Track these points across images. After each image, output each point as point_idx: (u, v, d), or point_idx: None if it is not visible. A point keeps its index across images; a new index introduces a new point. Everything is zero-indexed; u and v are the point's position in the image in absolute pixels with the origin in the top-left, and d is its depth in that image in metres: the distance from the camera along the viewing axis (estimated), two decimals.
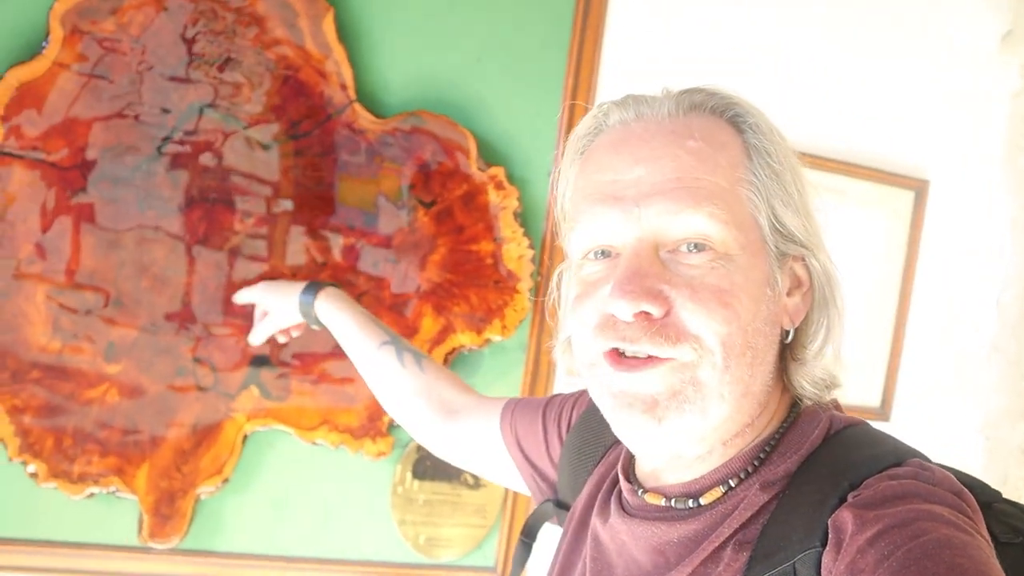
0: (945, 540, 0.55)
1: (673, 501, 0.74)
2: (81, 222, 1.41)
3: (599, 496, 0.85)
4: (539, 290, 1.61)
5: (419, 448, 1.59)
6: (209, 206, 1.45)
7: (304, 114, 1.48)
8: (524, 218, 1.58)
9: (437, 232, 1.55)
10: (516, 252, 1.57)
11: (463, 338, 1.56)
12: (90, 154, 1.40)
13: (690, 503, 0.73)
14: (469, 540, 1.64)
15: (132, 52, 1.39)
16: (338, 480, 1.57)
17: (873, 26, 1.78)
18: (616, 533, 0.78)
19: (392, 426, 1.56)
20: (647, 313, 0.66)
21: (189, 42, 1.42)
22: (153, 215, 1.43)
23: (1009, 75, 1.80)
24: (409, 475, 1.60)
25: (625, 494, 0.79)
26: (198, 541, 1.51)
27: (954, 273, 1.88)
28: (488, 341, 1.58)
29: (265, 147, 1.47)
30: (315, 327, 1.34)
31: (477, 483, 1.63)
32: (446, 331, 1.56)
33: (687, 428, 0.68)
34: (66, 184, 1.40)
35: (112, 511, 1.47)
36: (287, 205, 1.49)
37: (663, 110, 0.72)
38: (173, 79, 1.42)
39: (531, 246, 1.57)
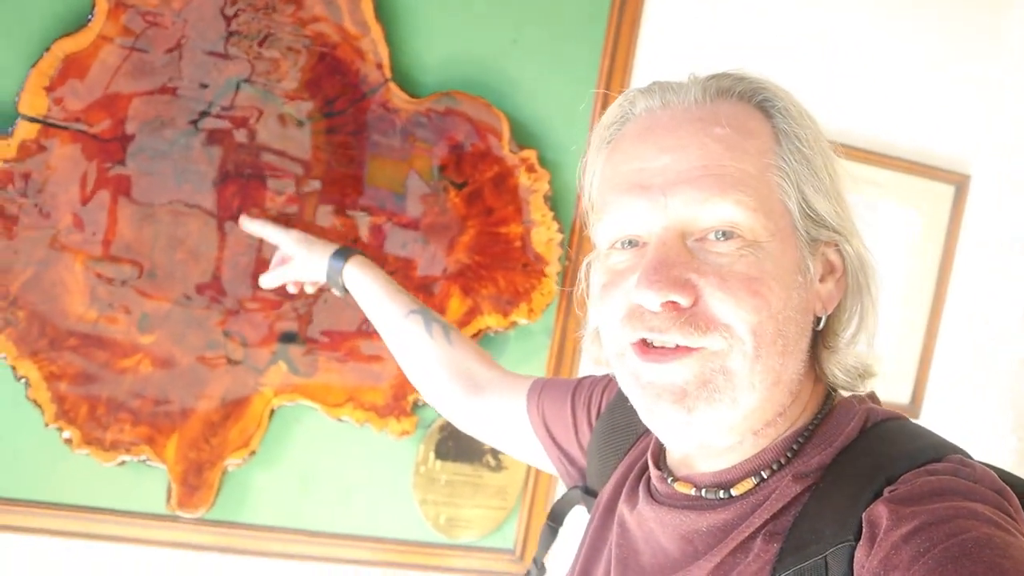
0: (985, 539, 0.54)
1: (703, 491, 0.74)
2: (119, 194, 1.43)
3: (627, 483, 0.85)
4: (567, 274, 1.60)
5: (442, 429, 1.60)
6: (243, 182, 1.47)
7: (339, 92, 1.49)
8: (554, 202, 1.58)
9: (467, 214, 1.55)
10: (545, 236, 1.57)
11: (489, 320, 1.57)
12: (130, 127, 1.42)
13: (721, 494, 0.72)
14: (489, 522, 1.64)
15: (173, 26, 1.41)
16: (362, 457, 1.58)
17: (919, 15, 1.75)
18: (644, 520, 0.78)
19: (417, 406, 1.57)
20: (675, 303, 0.66)
21: (229, 18, 1.43)
22: (189, 189, 1.46)
23: None
24: (432, 455, 1.61)
25: (654, 481, 0.79)
26: (224, 512, 1.53)
27: (992, 270, 1.85)
28: (514, 324, 1.58)
29: (299, 124, 1.48)
30: (338, 292, 1.32)
31: (499, 465, 1.64)
32: (473, 313, 1.56)
33: (717, 418, 0.67)
34: (106, 156, 1.42)
35: (142, 479, 1.50)
36: (317, 184, 1.50)
37: (690, 97, 0.71)
38: (212, 54, 1.43)
39: (560, 230, 1.57)
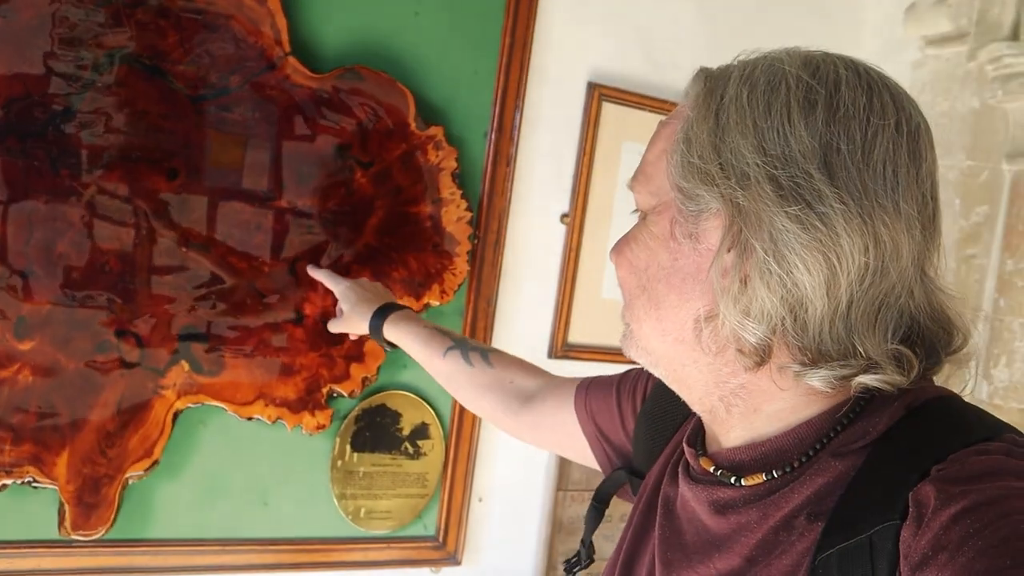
0: None
1: (719, 472, 0.74)
2: None
3: (670, 465, 0.85)
4: (476, 253, 1.58)
5: (358, 420, 1.54)
6: (130, 166, 1.34)
7: (234, 67, 1.38)
8: (462, 179, 1.54)
9: (375, 194, 1.48)
10: (455, 214, 1.53)
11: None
12: None
13: (732, 480, 0.72)
14: (408, 510, 1.60)
15: None
16: (275, 457, 1.49)
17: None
18: (685, 500, 0.78)
19: (331, 397, 1.50)
20: None
21: None
22: (67, 175, 1.30)
23: (911, 46, 1.90)
24: (348, 447, 1.54)
25: (688, 458, 0.79)
26: (126, 530, 1.40)
27: None
28: (427, 306, 1.54)
29: (193, 101, 1.36)
30: (386, 348, 1.37)
31: (418, 452, 1.59)
32: None
33: (636, 356, 0.78)
34: None
35: (28, 504, 1.35)
36: (212, 166, 1.38)
37: (691, 95, 0.72)
38: (91, 22, 1.28)
39: (469, 208, 1.54)
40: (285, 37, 1.39)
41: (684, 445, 0.80)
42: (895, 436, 0.65)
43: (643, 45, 1.71)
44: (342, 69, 1.44)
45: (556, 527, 1.73)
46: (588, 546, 1.03)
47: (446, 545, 1.63)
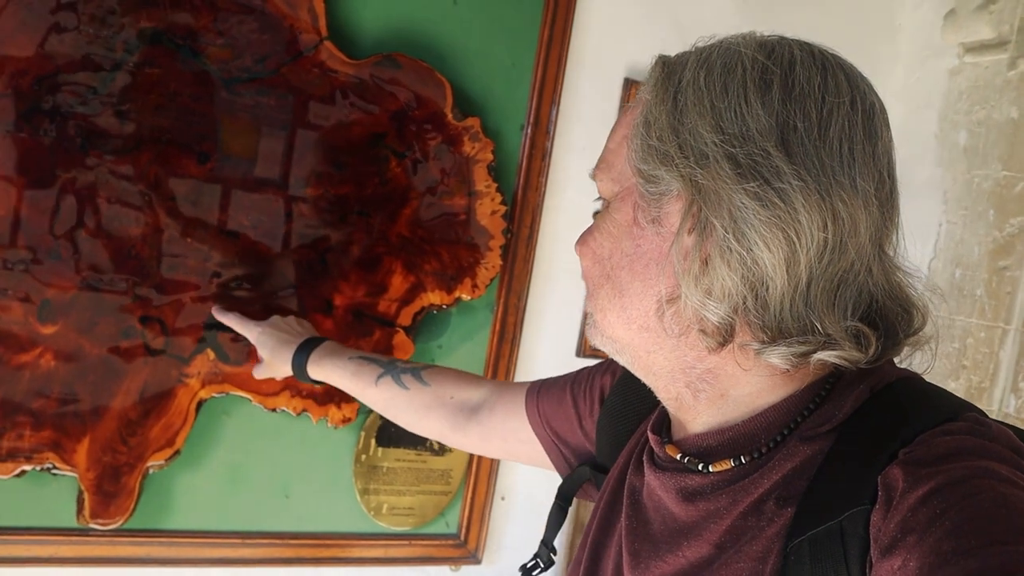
0: (1002, 499, 0.53)
1: (686, 460, 0.73)
2: (11, 163, 1.22)
3: (634, 455, 0.84)
4: (510, 247, 1.55)
5: None
6: (161, 148, 1.30)
7: (269, 50, 1.34)
8: (498, 172, 1.51)
9: (409, 184, 1.45)
10: (489, 208, 1.50)
11: (433, 297, 1.48)
12: (22, 84, 1.22)
13: (700, 467, 0.72)
14: (431, 508, 1.57)
15: None
16: (298, 449, 1.46)
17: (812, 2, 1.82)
18: (652, 489, 0.77)
19: None
20: None
21: None
22: (96, 156, 1.27)
23: (948, 53, 1.88)
24: (373, 442, 1.51)
25: (652, 445, 0.79)
26: (145, 520, 1.37)
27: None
28: (458, 300, 1.51)
29: (226, 83, 1.32)
30: (316, 385, 1.29)
31: (443, 448, 1.57)
32: (416, 290, 1.48)
33: (601, 344, 0.77)
34: None
35: (47, 490, 1.31)
36: (244, 151, 1.35)
37: (650, 81, 0.72)
38: (123, 2, 1.25)
39: (504, 202, 1.51)
40: (323, 22, 1.36)
41: (648, 433, 0.80)
42: (861, 419, 0.65)
43: (681, 41, 1.67)
44: (379, 56, 1.40)
45: (578, 527, 1.71)
46: (550, 547, 1.02)
47: (467, 543, 1.60)
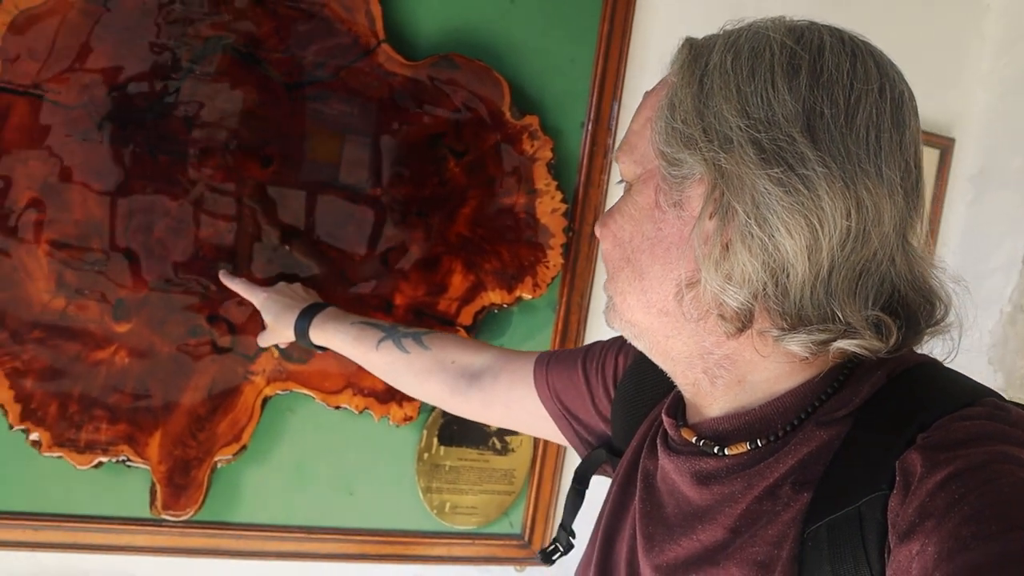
0: (1022, 484, 0.52)
1: (702, 443, 0.73)
2: (86, 168, 1.29)
3: (649, 438, 0.84)
4: (571, 246, 1.53)
5: (446, 412, 1.52)
6: (226, 153, 1.34)
7: (328, 55, 1.37)
8: (557, 170, 1.50)
9: (468, 183, 1.46)
10: (549, 206, 1.49)
11: (493, 296, 1.48)
12: (97, 93, 1.28)
13: (715, 449, 0.71)
14: (494, 507, 1.57)
15: None
16: (361, 447, 1.49)
17: None
18: (666, 473, 0.77)
19: None
20: None
21: None
22: (165, 162, 1.32)
23: None
24: (435, 441, 1.52)
25: (667, 428, 0.78)
26: (214, 513, 1.41)
27: (978, 233, 1.86)
28: (519, 299, 1.50)
29: (287, 89, 1.36)
30: (317, 351, 1.30)
31: (505, 447, 1.56)
32: (476, 289, 1.48)
33: (619, 328, 0.77)
34: (69, 125, 1.27)
35: (122, 481, 1.37)
36: (306, 154, 1.38)
37: (676, 64, 0.72)
38: (188, 12, 1.30)
39: (564, 200, 1.50)
40: (380, 25, 1.38)
41: (663, 416, 0.79)
42: (878, 404, 0.65)
43: None
44: (437, 57, 1.42)
45: None
46: (568, 531, 1.02)
47: (531, 544, 1.59)
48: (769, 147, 0.62)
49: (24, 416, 1.30)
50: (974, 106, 1.84)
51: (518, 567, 1.61)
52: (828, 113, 0.62)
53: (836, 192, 0.61)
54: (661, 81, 0.74)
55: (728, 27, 0.71)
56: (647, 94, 0.75)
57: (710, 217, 0.65)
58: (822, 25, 0.68)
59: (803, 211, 0.61)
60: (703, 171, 0.65)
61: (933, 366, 0.68)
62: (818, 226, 0.61)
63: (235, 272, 1.36)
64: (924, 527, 0.53)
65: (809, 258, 0.62)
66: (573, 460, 1.64)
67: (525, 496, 1.59)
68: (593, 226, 1.53)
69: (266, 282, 1.37)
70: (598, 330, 1.60)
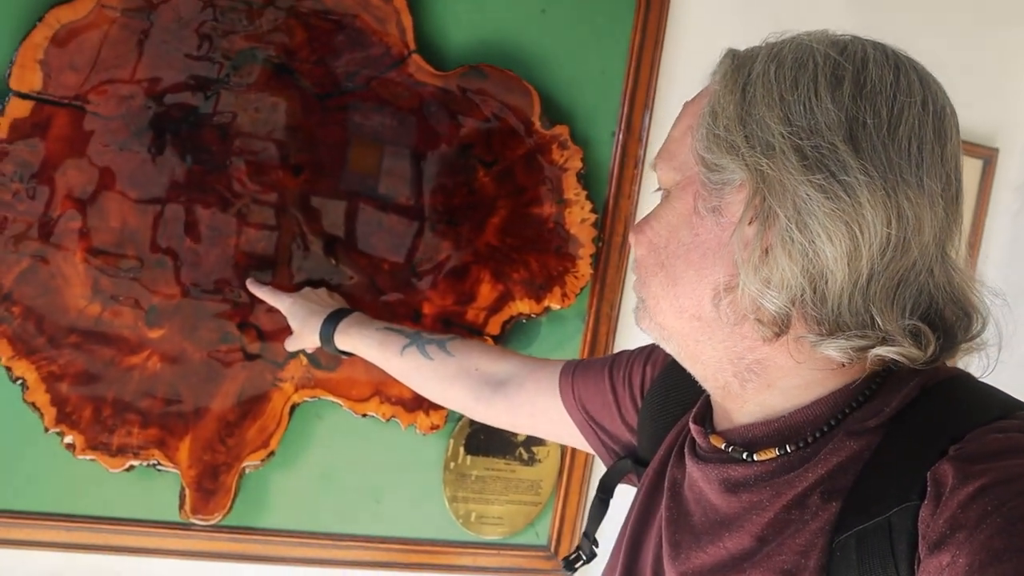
0: None
1: (731, 449, 0.73)
2: (123, 177, 1.32)
3: (676, 447, 0.84)
4: (601, 256, 1.53)
5: (472, 422, 1.52)
6: (259, 162, 1.36)
7: (359, 65, 1.39)
8: (587, 180, 1.49)
9: (497, 193, 1.46)
10: (579, 216, 1.49)
11: (522, 306, 1.48)
12: (133, 104, 1.31)
13: (744, 455, 0.71)
14: (521, 517, 1.57)
15: None
16: (388, 455, 1.49)
17: None
18: (693, 481, 0.77)
19: None
20: None
21: None
22: (199, 171, 1.34)
23: None
24: (462, 450, 1.52)
25: (695, 436, 0.79)
26: (242, 518, 1.43)
27: (1022, 244, 1.82)
28: (547, 309, 1.50)
29: (319, 99, 1.37)
30: (343, 356, 1.32)
31: (532, 458, 1.56)
32: (504, 299, 1.48)
33: (649, 329, 0.78)
34: (108, 135, 1.30)
35: (152, 485, 1.39)
36: (337, 164, 1.40)
37: (718, 73, 0.72)
38: (224, 24, 1.32)
39: (594, 210, 1.49)
40: (411, 35, 1.39)
41: (691, 424, 0.79)
42: (911, 415, 0.65)
43: None
44: (467, 67, 1.42)
45: None
46: (592, 540, 1.03)
47: (558, 555, 1.58)
48: (811, 154, 0.62)
49: (59, 419, 1.32)
50: (1019, 115, 1.80)
51: None
52: (871, 123, 0.62)
53: (877, 200, 0.61)
54: (702, 91, 0.74)
55: (771, 39, 0.72)
56: (687, 104, 0.76)
57: (750, 222, 0.65)
58: (866, 39, 0.69)
59: (844, 218, 0.61)
60: (744, 177, 0.66)
61: (966, 379, 0.68)
62: (859, 233, 0.61)
63: (265, 281, 1.37)
64: (955, 538, 0.53)
65: (849, 265, 0.62)
66: (600, 472, 1.63)
67: (552, 507, 1.59)
68: (624, 236, 1.53)
69: (295, 290, 1.38)
70: (627, 340, 1.59)
